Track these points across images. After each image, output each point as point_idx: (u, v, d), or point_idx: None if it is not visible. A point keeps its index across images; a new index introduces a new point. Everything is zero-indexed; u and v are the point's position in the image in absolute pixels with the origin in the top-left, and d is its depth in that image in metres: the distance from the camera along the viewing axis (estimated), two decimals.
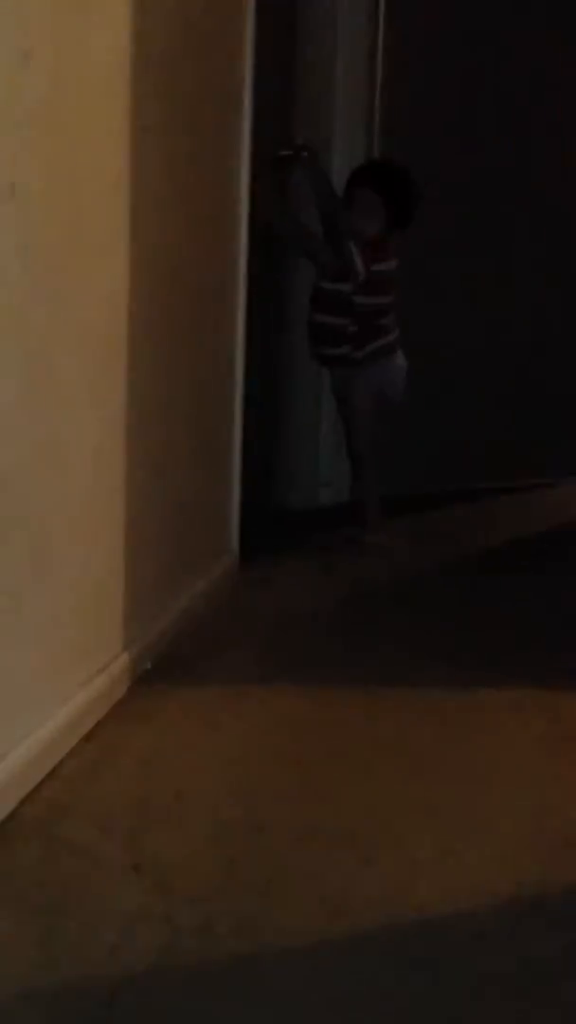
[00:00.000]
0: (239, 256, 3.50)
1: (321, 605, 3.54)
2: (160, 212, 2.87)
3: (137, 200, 2.70)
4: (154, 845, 2.24)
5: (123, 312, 2.71)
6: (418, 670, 3.06)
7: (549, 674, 3.04)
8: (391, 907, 2.09)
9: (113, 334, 2.68)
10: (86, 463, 2.59)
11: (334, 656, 3.16)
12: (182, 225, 3.05)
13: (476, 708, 2.86)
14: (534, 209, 4.74)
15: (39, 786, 2.37)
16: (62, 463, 2.47)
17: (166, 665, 2.99)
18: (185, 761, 2.56)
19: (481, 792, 2.50)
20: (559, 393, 4.89)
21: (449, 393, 4.61)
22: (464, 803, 2.45)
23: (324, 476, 4.50)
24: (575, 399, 4.92)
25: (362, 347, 4.02)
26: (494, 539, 4.27)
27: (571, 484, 4.91)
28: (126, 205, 2.67)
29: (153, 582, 3.01)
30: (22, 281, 2.24)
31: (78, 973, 1.89)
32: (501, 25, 4.53)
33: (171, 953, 1.94)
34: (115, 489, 2.75)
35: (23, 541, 2.32)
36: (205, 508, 3.43)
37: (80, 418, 2.54)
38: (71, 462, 2.52)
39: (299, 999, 1.85)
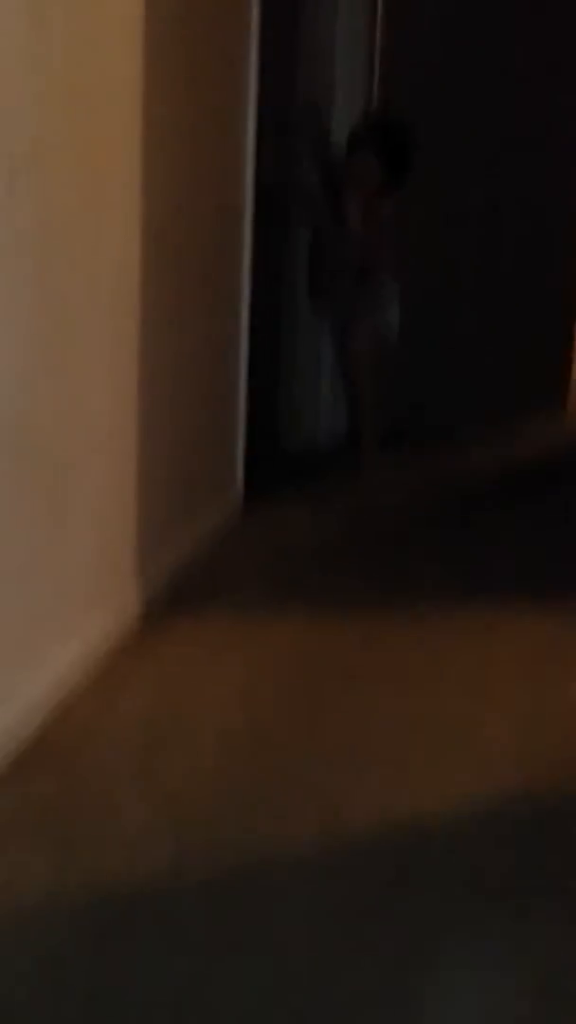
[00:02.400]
0: (244, 211, 3.49)
1: (320, 539, 3.56)
2: (171, 172, 2.87)
3: (149, 161, 2.70)
4: (165, 764, 2.29)
5: (136, 267, 2.71)
6: (414, 596, 3.10)
7: (539, 599, 3.09)
8: (384, 813, 2.14)
9: (127, 288, 2.69)
10: (102, 405, 2.62)
11: (332, 585, 3.19)
12: (191, 183, 3.06)
13: (468, 630, 2.90)
14: (525, 169, 4.70)
15: (56, 711, 2.41)
16: (79, 406, 2.49)
17: (176, 596, 3.02)
18: (194, 686, 2.60)
19: (470, 707, 2.54)
20: (543, 329, 4.87)
21: (441, 331, 4.60)
22: (454, 717, 2.50)
23: (324, 416, 4.47)
24: (555, 337, 4.91)
25: (363, 292, 4.01)
26: (486, 472, 4.26)
27: (553, 416, 4.90)
28: (139, 168, 2.67)
29: (163, 517, 3.03)
30: (42, 239, 2.26)
31: (94, 886, 1.93)
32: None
33: (180, 867, 1.98)
34: (128, 429, 2.77)
35: (41, 478, 2.36)
36: (212, 446, 3.45)
37: (96, 363, 2.56)
38: (87, 405, 2.54)
39: (303, 906, 1.89)
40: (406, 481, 4.14)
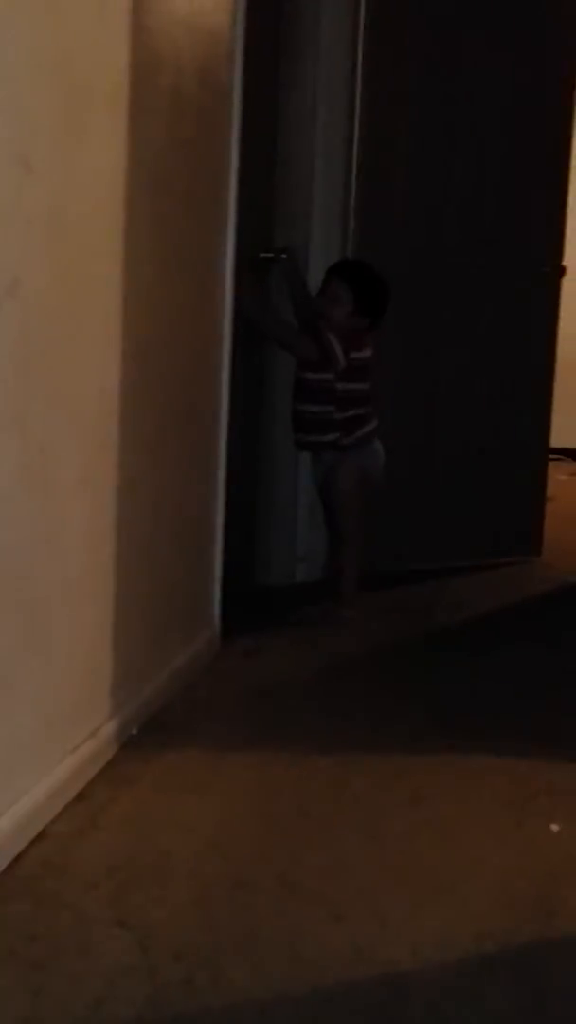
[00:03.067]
0: (223, 347, 3.54)
1: (297, 676, 3.55)
2: (150, 307, 2.92)
3: (129, 296, 2.75)
4: (139, 902, 2.25)
5: (115, 401, 2.75)
6: (389, 737, 3.08)
7: (514, 741, 3.08)
8: (360, 963, 2.09)
9: (105, 422, 2.72)
10: (78, 543, 2.63)
11: (309, 723, 3.18)
12: (171, 319, 3.11)
13: (444, 772, 2.88)
14: (500, 305, 4.81)
15: (30, 846, 2.39)
16: (56, 544, 2.50)
17: (151, 731, 3.00)
18: (168, 822, 2.57)
19: (447, 852, 2.51)
20: (516, 479, 4.95)
21: (421, 474, 4.67)
22: (431, 863, 2.46)
23: (300, 553, 4.51)
24: (528, 486, 4.98)
25: (349, 434, 4.07)
26: (460, 616, 4.29)
27: (527, 564, 4.95)
28: (119, 301, 2.72)
29: (140, 653, 3.02)
30: (21, 371, 2.29)
31: (66, 1020, 1.88)
32: (474, 127, 4.63)
33: (153, 1006, 1.94)
34: (105, 567, 2.78)
35: (18, 616, 2.36)
36: (189, 584, 3.46)
37: (72, 501, 2.58)
38: (64, 543, 2.55)
39: None
40: (384, 620, 4.14)
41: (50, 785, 2.50)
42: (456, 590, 4.56)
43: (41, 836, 2.42)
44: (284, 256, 4.17)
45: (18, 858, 2.33)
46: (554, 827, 2.61)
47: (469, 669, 3.69)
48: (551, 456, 5.22)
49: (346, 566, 4.16)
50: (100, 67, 2.57)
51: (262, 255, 4.08)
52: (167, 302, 3.07)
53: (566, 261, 5.00)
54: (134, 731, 2.96)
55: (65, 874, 2.31)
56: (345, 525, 4.14)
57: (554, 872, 2.44)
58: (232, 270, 3.55)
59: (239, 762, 2.88)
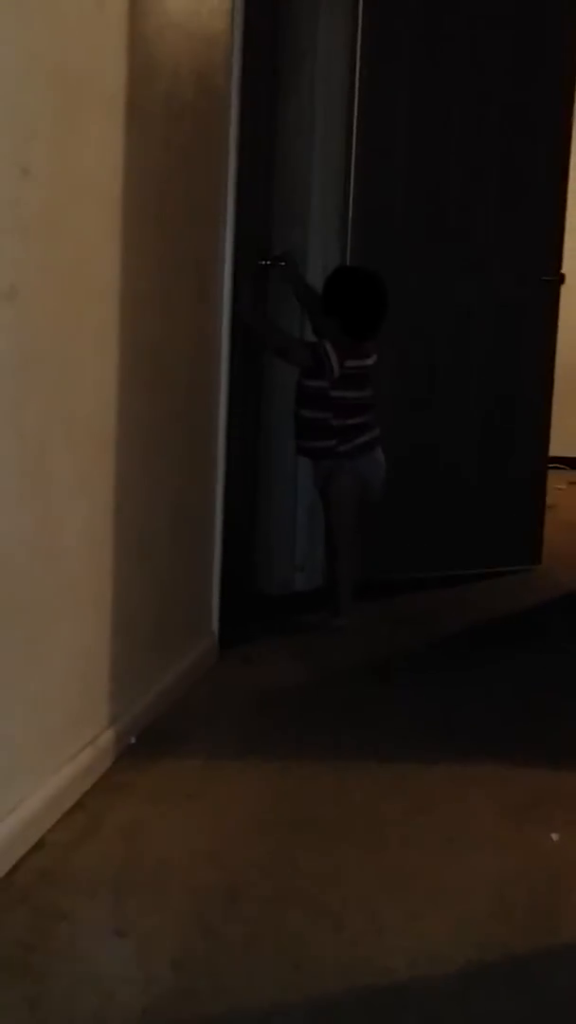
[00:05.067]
0: (221, 353, 3.54)
1: (296, 684, 3.55)
2: (148, 312, 2.92)
3: (126, 301, 2.75)
4: (137, 911, 2.25)
5: (112, 407, 2.75)
6: (388, 745, 3.08)
7: (514, 749, 3.08)
8: (359, 971, 2.08)
9: (103, 428, 2.73)
10: (76, 549, 2.63)
11: (308, 732, 3.17)
12: (169, 325, 3.11)
13: (442, 781, 2.88)
14: (499, 313, 4.83)
15: (28, 854, 2.39)
16: (53, 549, 2.50)
17: (149, 739, 3.00)
18: (166, 830, 2.57)
19: (447, 860, 2.50)
20: (515, 488, 4.97)
21: (419, 484, 4.69)
22: (430, 871, 2.46)
23: (299, 562, 4.51)
24: (527, 495, 4.99)
25: (347, 441, 4.07)
26: (458, 623, 4.29)
27: (526, 572, 4.96)
28: (116, 306, 2.72)
29: (138, 662, 3.02)
30: (19, 377, 2.30)
31: None
32: (472, 133, 4.64)
33: (152, 1016, 1.94)
34: (103, 574, 2.78)
35: (15, 623, 2.36)
36: (188, 593, 3.46)
37: (70, 507, 2.58)
38: (62, 548, 2.55)
39: None
40: (384, 629, 4.14)
41: (48, 794, 2.50)
42: (456, 598, 4.56)
43: (39, 845, 2.42)
44: (283, 263, 4.18)
45: (15, 867, 2.33)
46: (554, 836, 2.61)
47: (469, 677, 3.69)
48: (551, 465, 5.22)
49: (341, 574, 4.16)
50: (97, 72, 2.58)
51: (260, 261, 4.08)
52: (165, 308, 3.07)
53: (564, 269, 4.99)
54: (132, 740, 2.96)
55: (63, 883, 2.31)
56: (339, 533, 4.13)
57: (554, 881, 2.44)
58: (230, 275, 3.55)
59: (238, 771, 2.88)
